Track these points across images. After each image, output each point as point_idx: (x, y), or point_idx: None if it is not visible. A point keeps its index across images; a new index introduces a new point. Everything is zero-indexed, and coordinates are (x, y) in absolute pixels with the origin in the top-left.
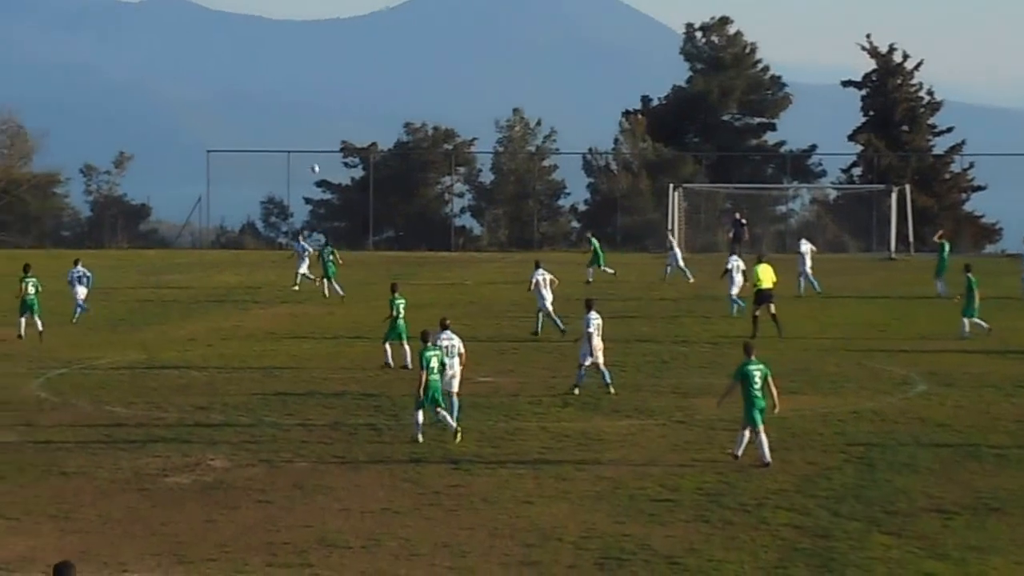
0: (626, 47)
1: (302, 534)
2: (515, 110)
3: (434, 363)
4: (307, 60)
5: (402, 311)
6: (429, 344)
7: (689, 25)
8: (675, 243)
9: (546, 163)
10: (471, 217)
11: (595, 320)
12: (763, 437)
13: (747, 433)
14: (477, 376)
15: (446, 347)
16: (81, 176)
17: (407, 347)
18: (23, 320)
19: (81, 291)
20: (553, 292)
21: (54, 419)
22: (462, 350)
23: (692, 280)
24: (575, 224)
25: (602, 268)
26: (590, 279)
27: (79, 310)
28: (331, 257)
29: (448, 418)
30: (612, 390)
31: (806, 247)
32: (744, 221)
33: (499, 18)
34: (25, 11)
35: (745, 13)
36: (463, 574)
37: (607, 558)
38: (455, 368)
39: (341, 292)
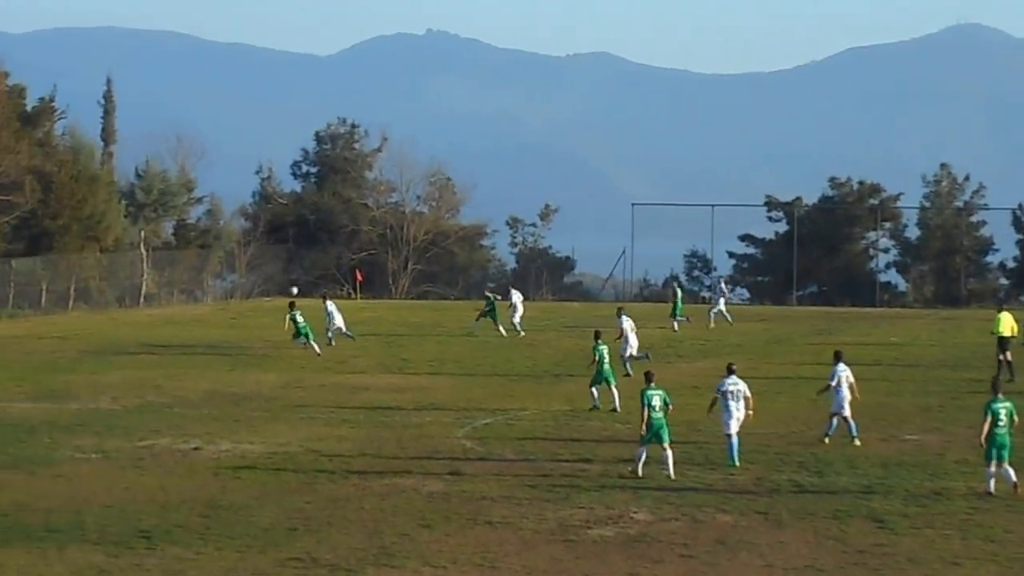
0: None
1: None
2: (942, 165)
3: (655, 401)
4: (730, 114)
5: (606, 356)
6: (652, 384)
7: None
8: (724, 289)
9: (974, 219)
10: (896, 273)
11: (842, 372)
12: (1005, 470)
13: (992, 468)
14: (903, 434)
15: (732, 391)
16: (507, 228)
17: (615, 391)
18: (307, 342)
19: (339, 319)
20: (638, 338)
21: (479, 469)
22: (748, 394)
23: (732, 323)
24: (1003, 281)
25: (678, 318)
26: (676, 329)
27: (345, 335)
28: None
29: (670, 459)
30: (858, 442)
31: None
32: None
33: (925, 71)
34: (454, 66)
35: None
36: None
37: None
38: (740, 411)
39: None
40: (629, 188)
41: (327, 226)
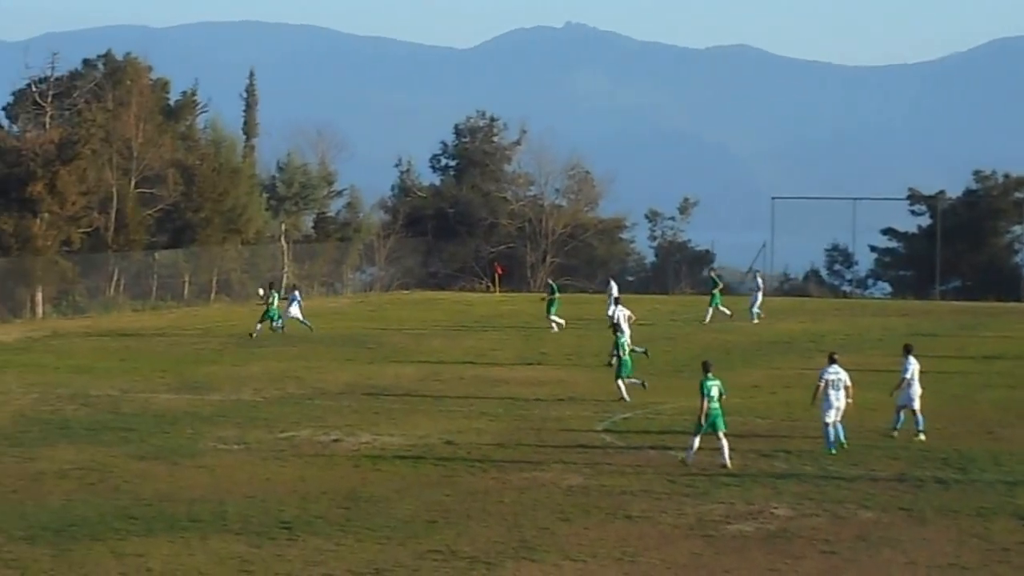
0: None
1: None
2: None
3: (714, 392)
4: (872, 106)
5: (626, 347)
6: (709, 374)
7: None
8: (760, 283)
9: None
10: None
11: (913, 365)
12: None
13: None
14: None
15: (832, 380)
16: (646, 221)
17: (621, 383)
18: (262, 326)
19: (295, 310)
20: (631, 327)
21: (619, 462)
22: (848, 383)
23: (757, 321)
24: None
25: (719, 308)
26: (707, 319)
27: (302, 323)
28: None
29: (726, 448)
30: (923, 437)
31: None
32: None
33: None
34: (593, 58)
35: None
36: None
37: None
38: (840, 400)
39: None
40: (770, 181)
41: (466, 219)
